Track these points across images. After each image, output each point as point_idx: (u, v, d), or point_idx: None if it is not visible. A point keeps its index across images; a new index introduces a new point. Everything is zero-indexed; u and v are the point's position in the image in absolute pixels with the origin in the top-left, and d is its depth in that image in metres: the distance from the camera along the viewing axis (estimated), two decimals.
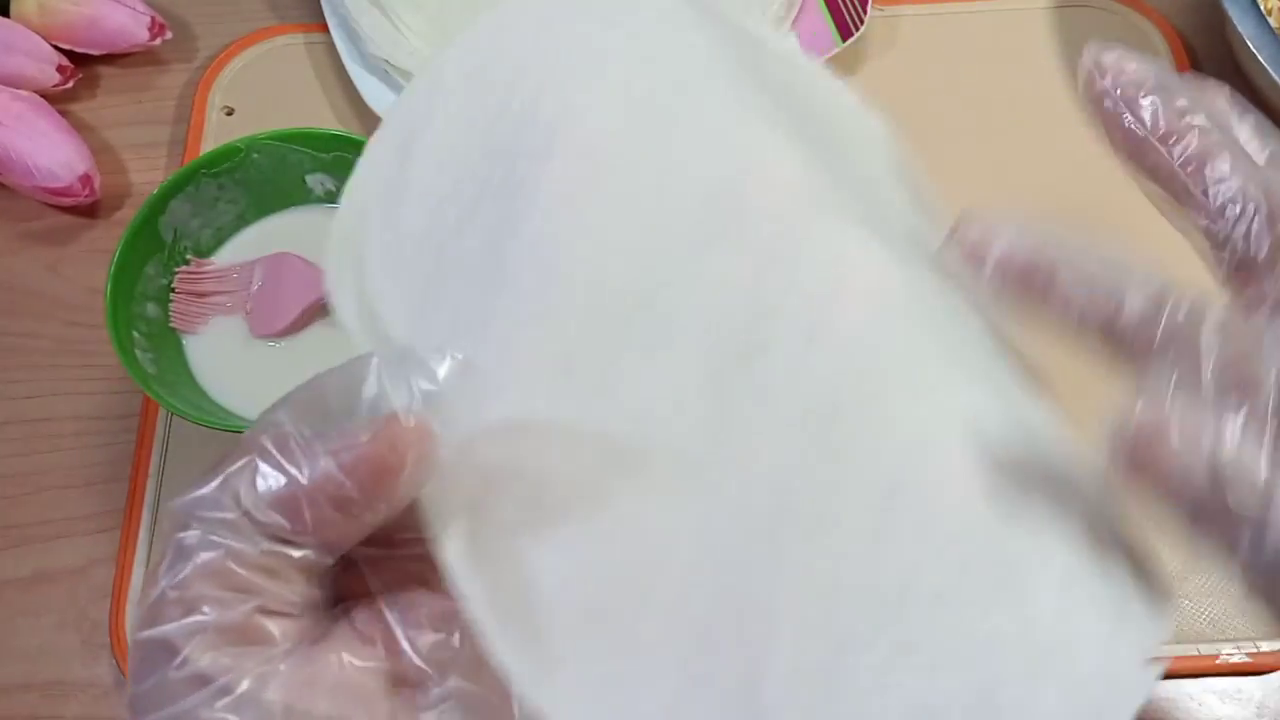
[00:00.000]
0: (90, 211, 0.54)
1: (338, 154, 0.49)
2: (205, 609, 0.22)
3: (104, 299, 0.44)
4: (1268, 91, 0.51)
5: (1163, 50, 0.58)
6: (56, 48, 0.56)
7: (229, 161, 0.48)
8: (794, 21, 0.58)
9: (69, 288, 0.52)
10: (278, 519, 0.22)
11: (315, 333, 0.48)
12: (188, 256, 0.49)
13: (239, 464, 0.23)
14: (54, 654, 0.44)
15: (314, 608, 0.24)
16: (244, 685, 0.22)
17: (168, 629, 0.22)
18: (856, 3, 0.57)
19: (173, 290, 0.48)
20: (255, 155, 0.48)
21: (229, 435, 0.46)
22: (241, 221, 0.50)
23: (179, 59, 0.59)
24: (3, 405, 0.49)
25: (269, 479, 0.22)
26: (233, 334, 0.48)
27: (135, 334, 0.46)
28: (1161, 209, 0.28)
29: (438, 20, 0.56)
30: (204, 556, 0.22)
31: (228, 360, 0.47)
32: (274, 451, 0.23)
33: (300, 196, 0.50)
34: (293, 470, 0.23)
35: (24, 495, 0.47)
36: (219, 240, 0.50)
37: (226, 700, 0.22)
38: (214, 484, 0.23)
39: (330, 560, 0.24)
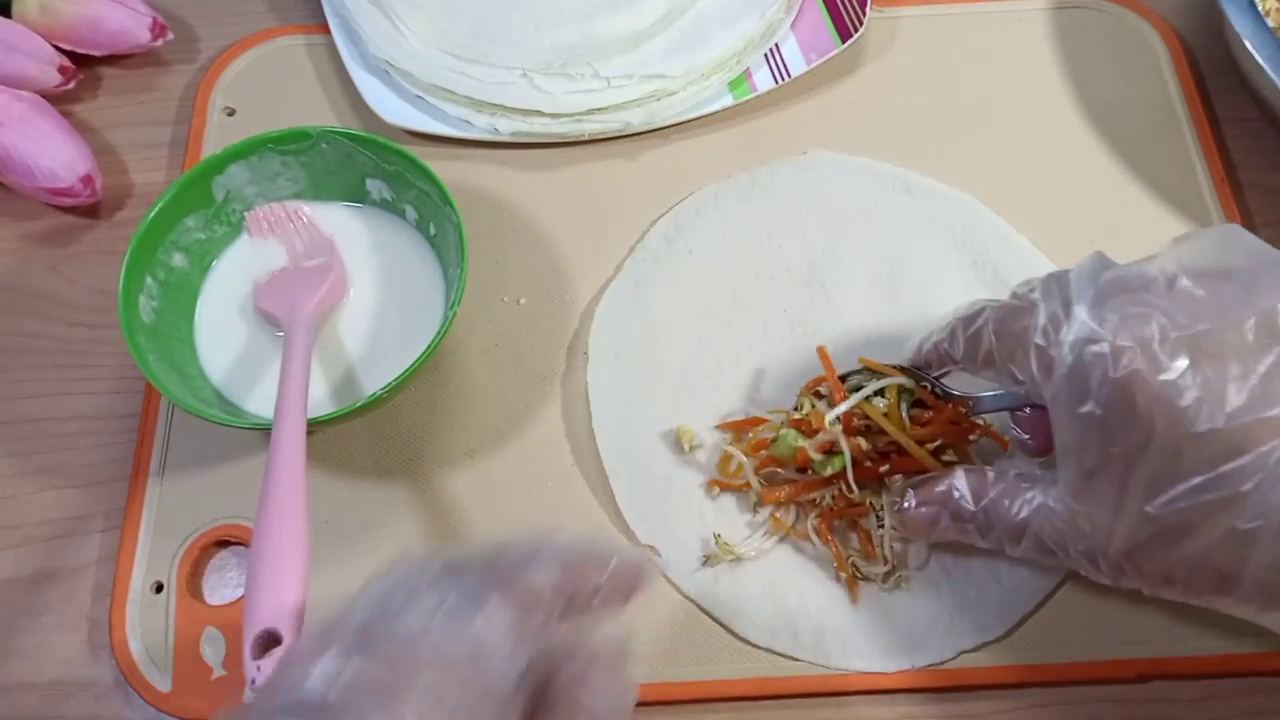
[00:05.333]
0: (92, 212, 0.54)
1: (399, 169, 0.49)
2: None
3: (134, 232, 0.46)
4: (1265, 90, 0.52)
5: (1161, 50, 0.59)
6: (58, 48, 0.56)
7: (296, 144, 0.49)
8: (794, 22, 0.58)
9: (71, 288, 0.52)
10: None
11: (318, 333, 0.48)
12: (235, 219, 0.50)
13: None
14: (54, 654, 0.44)
15: None
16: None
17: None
18: (856, 4, 0.57)
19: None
20: (324, 145, 0.50)
21: (231, 431, 0.46)
22: (297, 200, 0.51)
23: (180, 60, 0.59)
24: (4, 405, 0.49)
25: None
26: (241, 311, 0.49)
27: (149, 279, 0.46)
28: None
29: (438, 21, 0.57)
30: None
31: (231, 341, 0.48)
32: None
33: (358, 195, 0.51)
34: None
35: (25, 495, 0.47)
36: None
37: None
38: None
39: None
